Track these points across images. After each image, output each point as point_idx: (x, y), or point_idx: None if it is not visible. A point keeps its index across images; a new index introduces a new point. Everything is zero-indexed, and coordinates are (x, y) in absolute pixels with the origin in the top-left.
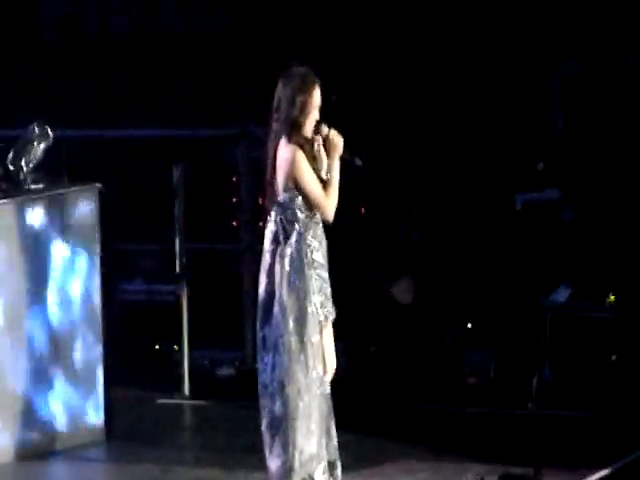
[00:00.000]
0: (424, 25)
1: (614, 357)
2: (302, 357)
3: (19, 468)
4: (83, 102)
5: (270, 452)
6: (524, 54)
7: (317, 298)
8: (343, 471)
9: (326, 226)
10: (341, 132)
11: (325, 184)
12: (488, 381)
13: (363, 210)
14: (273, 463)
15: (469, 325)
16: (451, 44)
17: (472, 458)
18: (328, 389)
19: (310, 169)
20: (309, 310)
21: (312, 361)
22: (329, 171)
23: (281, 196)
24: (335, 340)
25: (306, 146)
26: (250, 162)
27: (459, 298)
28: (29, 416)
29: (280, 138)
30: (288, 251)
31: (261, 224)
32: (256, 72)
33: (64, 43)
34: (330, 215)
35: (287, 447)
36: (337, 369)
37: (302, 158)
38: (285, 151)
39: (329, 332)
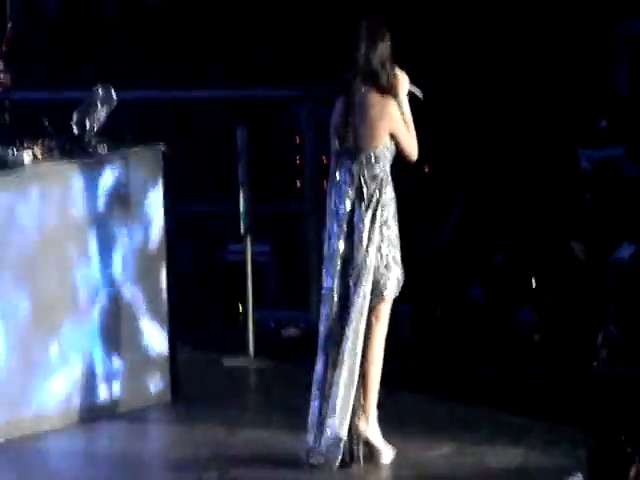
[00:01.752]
0: None
1: None
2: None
3: (86, 428)
4: (145, 63)
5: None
6: (590, 11)
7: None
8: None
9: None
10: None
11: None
12: (552, 339)
13: (427, 169)
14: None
15: (533, 283)
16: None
17: (539, 418)
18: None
19: (402, 121)
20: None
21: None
22: (402, 110)
23: (371, 150)
24: (402, 304)
25: (396, 101)
26: (313, 123)
27: (523, 256)
28: (95, 377)
29: (371, 88)
30: (380, 211)
31: (325, 185)
32: (316, 33)
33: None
34: (416, 153)
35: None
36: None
37: (397, 109)
38: (382, 104)
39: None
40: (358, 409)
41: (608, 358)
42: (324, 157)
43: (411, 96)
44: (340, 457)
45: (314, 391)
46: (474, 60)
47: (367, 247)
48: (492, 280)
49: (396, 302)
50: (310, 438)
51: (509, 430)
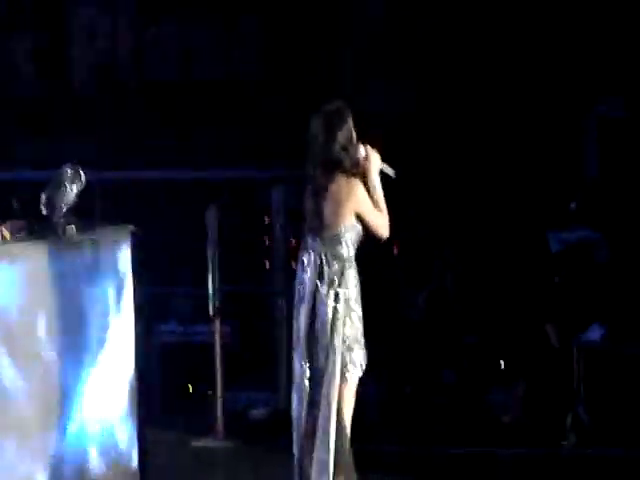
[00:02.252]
0: (465, 63)
1: None
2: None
3: None
4: (115, 145)
5: None
6: (562, 95)
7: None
8: None
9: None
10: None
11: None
12: (521, 421)
13: (396, 249)
14: None
15: (502, 365)
16: (489, 83)
17: None
18: None
19: (369, 202)
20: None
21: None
22: (373, 189)
23: (336, 230)
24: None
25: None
26: (283, 205)
27: (494, 338)
28: (67, 452)
29: (333, 173)
30: (343, 291)
31: (293, 266)
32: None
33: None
34: (387, 231)
35: None
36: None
37: (363, 190)
38: (347, 186)
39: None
40: None
41: (577, 440)
42: (293, 239)
43: (382, 174)
44: None
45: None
46: (447, 145)
47: (331, 327)
48: (464, 361)
49: (364, 383)
50: None
51: None
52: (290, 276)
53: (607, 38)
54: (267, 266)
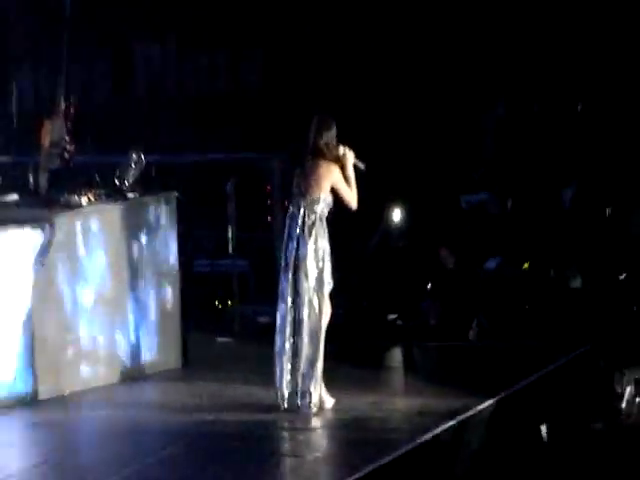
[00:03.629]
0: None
1: (526, 306)
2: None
3: (121, 388)
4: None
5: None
6: (467, 97)
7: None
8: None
9: None
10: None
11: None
12: (441, 324)
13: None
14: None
15: (428, 285)
16: (418, 88)
17: (434, 380)
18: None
19: (342, 180)
20: (326, 280)
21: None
22: (349, 177)
23: (315, 195)
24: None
25: (340, 166)
26: (280, 176)
27: (424, 268)
28: (132, 348)
29: (318, 159)
30: (308, 247)
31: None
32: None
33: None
34: (354, 204)
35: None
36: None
37: (340, 173)
38: (326, 168)
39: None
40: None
41: (478, 336)
42: (286, 201)
43: (355, 167)
44: (296, 404)
45: (276, 360)
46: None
47: (306, 251)
48: (405, 283)
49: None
50: (277, 392)
51: (414, 387)
52: (284, 226)
53: (502, 55)
54: (269, 219)
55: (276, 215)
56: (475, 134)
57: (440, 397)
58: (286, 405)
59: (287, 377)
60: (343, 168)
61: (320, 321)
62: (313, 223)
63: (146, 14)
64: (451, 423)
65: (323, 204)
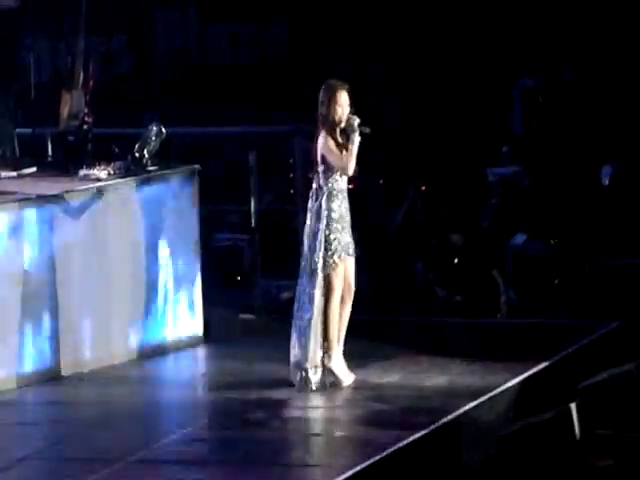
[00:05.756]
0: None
1: (556, 281)
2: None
3: (142, 365)
4: (187, 110)
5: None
6: (496, 69)
7: (323, 244)
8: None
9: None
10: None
11: (347, 153)
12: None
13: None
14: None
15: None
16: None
17: (461, 355)
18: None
19: (334, 146)
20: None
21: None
22: (352, 143)
23: (318, 167)
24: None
25: (333, 133)
26: (302, 149)
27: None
28: (152, 325)
29: (318, 129)
30: (311, 208)
31: (310, 194)
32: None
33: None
34: (347, 171)
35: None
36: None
37: (327, 139)
38: (319, 137)
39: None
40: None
41: (508, 313)
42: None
43: (362, 131)
44: (302, 381)
45: (295, 336)
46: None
47: (316, 225)
48: (429, 258)
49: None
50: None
51: (441, 363)
52: (307, 199)
53: (530, 30)
54: (292, 192)
55: (298, 189)
56: (504, 107)
57: (467, 375)
58: (303, 382)
59: (301, 352)
60: (347, 133)
61: (326, 294)
62: (320, 196)
63: None
64: (477, 402)
65: (322, 174)
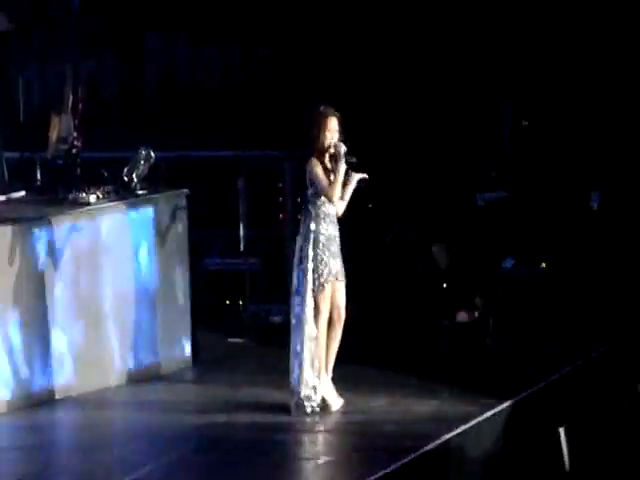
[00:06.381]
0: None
1: (545, 307)
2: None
3: (131, 389)
4: (175, 134)
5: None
6: (484, 85)
7: (310, 266)
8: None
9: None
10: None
11: (333, 180)
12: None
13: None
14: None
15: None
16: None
17: (450, 381)
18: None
19: (321, 172)
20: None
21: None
22: (337, 171)
23: (307, 190)
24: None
25: (321, 158)
26: (291, 174)
27: (440, 279)
28: (141, 348)
29: (308, 153)
30: (301, 231)
31: (299, 217)
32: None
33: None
34: (331, 198)
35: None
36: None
37: (315, 165)
38: (308, 162)
39: (331, 290)
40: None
41: (494, 337)
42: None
43: (347, 160)
44: (307, 407)
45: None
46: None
47: (304, 248)
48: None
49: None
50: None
51: (429, 389)
52: (297, 224)
53: (519, 51)
54: (281, 217)
55: (288, 213)
56: (492, 133)
57: (455, 400)
58: (297, 406)
59: (295, 376)
60: (335, 160)
61: (313, 317)
62: (309, 219)
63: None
64: (465, 428)
65: (311, 199)
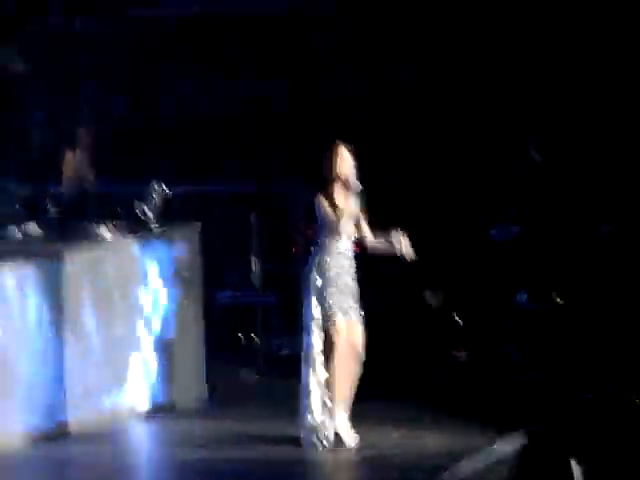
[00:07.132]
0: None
1: (559, 340)
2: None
3: (143, 423)
4: (184, 170)
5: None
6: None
7: (315, 300)
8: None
9: None
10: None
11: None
12: (473, 358)
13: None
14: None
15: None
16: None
17: (459, 414)
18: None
19: (328, 208)
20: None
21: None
22: (348, 207)
23: (318, 225)
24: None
25: (332, 190)
26: (303, 210)
27: (452, 303)
28: (154, 383)
29: (321, 188)
30: (309, 264)
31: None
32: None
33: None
34: (340, 233)
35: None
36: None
37: (322, 201)
38: (317, 196)
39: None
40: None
41: (510, 370)
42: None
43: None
44: (317, 442)
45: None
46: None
47: (314, 282)
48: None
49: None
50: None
51: (440, 423)
52: (307, 258)
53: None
54: (294, 251)
55: (301, 246)
56: (508, 171)
57: (467, 432)
58: (307, 441)
59: (307, 412)
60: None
61: (323, 354)
62: (319, 253)
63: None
64: (477, 460)
65: (322, 233)
